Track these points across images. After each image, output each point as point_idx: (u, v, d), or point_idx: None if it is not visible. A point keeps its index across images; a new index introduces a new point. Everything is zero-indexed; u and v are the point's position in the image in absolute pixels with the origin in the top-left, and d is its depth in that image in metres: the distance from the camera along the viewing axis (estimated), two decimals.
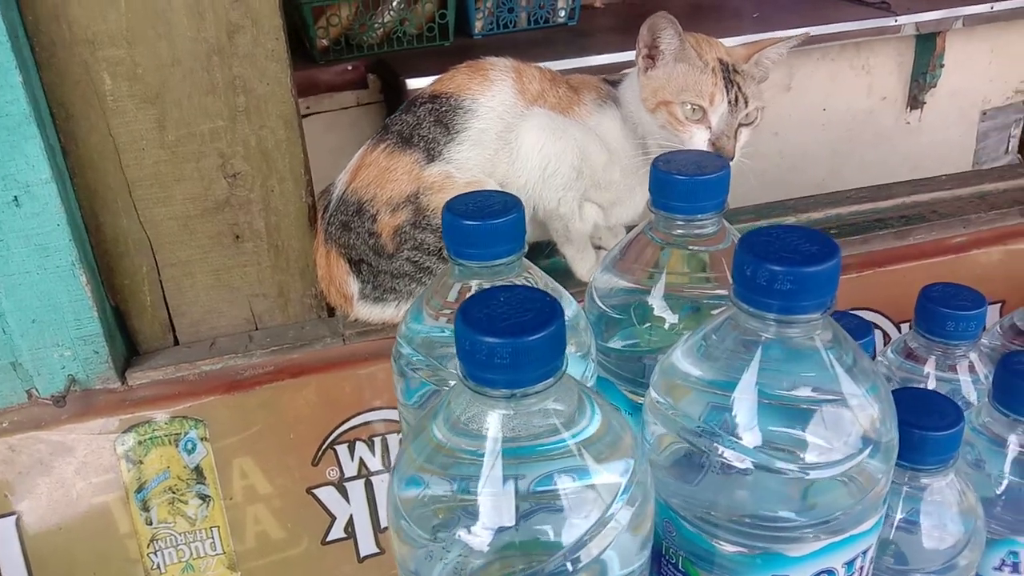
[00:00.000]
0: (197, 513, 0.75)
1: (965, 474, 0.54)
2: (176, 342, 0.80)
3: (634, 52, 0.77)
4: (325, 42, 1.73)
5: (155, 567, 0.75)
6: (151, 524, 0.74)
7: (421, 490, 0.40)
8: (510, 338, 0.36)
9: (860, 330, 0.60)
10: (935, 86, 2.04)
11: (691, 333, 0.45)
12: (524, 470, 0.38)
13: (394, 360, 0.53)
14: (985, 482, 0.56)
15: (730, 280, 0.42)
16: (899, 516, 0.52)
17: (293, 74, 0.74)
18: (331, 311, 0.83)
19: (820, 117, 1.99)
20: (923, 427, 0.49)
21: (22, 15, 0.65)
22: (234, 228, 0.77)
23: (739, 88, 0.75)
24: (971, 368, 0.63)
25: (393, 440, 0.77)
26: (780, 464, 0.41)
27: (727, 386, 0.42)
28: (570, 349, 0.51)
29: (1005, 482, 0.56)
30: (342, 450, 0.77)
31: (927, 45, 1.98)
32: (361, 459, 0.77)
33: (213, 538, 0.75)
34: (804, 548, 0.41)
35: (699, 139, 0.75)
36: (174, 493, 0.74)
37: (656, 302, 0.54)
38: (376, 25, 1.76)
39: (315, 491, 0.77)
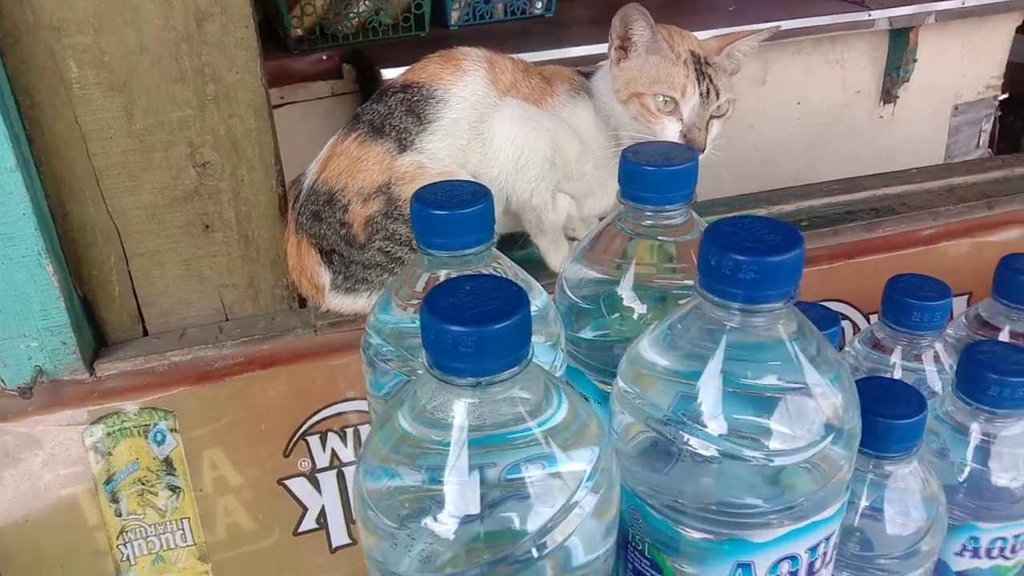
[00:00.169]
0: (167, 505, 0.74)
1: (928, 462, 0.55)
2: (145, 333, 0.80)
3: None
4: (300, 31, 1.71)
5: (125, 559, 0.74)
6: (120, 516, 0.74)
7: (388, 480, 0.40)
8: (476, 326, 0.36)
9: (827, 321, 0.61)
10: (908, 81, 2.06)
11: (658, 323, 0.45)
12: (490, 458, 0.38)
13: (363, 350, 0.53)
14: (948, 470, 0.57)
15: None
16: (864, 503, 0.53)
17: (263, 62, 0.73)
18: (302, 302, 0.83)
19: (795, 111, 2.00)
20: (887, 416, 0.50)
21: None
22: (203, 218, 0.76)
23: (711, 80, 0.75)
24: (936, 358, 0.64)
25: (365, 431, 0.77)
26: (745, 452, 0.41)
27: (692, 375, 0.42)
28: (539, 339, 0.51)
29: (967, 469, 0.57)
30: (314, 441, 0.77)
31: (900, 40, 2.00)
32: (333, 450, 0.77)
33: (183, 529, 0.75)
34: (768, 534, 0.42)
35: (671, 131, 0.75)
36: (144, 485, 0.74)
37: (625, 292, 0.54)
38: (351, 15, 1.75)
39: (286, 482, 0.77)
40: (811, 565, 0.44)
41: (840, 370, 0.43)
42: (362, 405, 0.77)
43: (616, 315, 0.55)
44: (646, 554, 0.45)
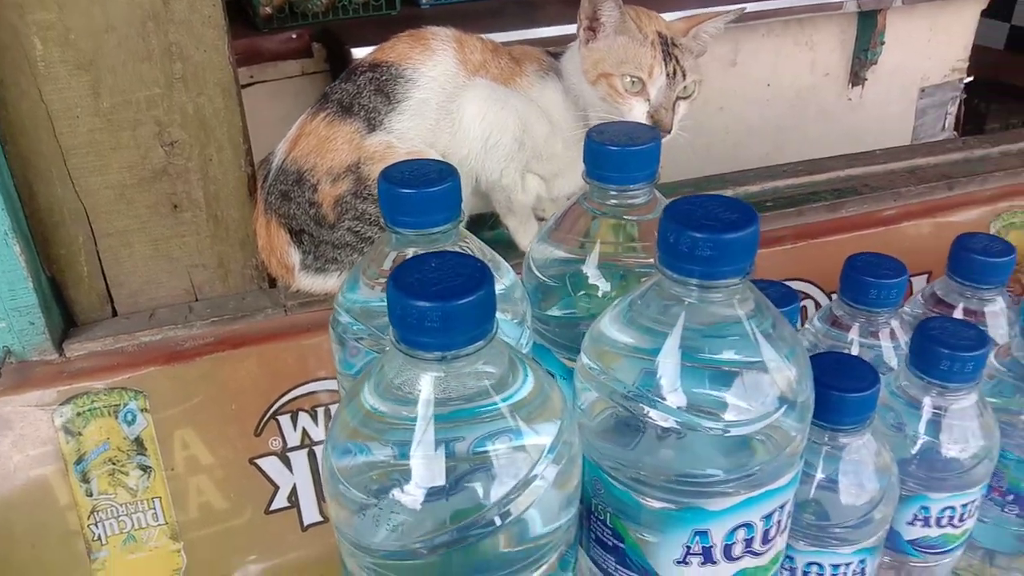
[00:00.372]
0: (138, 484, 0.75)
1: (883, 435, 0.57)
2: (114, 313, 0.79)
3: None
4: (269, 10, 1.70)
5: (96, 538, 0.75)
6: (91, 496, 0.74)
7: (355, 455, 0.41)
8: (441, 302, 0.37)
9: (786, 298, 0.62)
10: (876, 63, 2.08)
11: (619, 300, 0.46)
12: (457, 432, 0.39)
13: (332, 328, 0.53)
14: (902, 443, 0.59)
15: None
16: (820, 475, 0.55)
17: (231, 41, 0.73)
18: (272, 282, 0.83)
19: (765, 92, 2.02)
20: (841, 389, 0.52)
21: None
22: (172, 198, 0.76)
23: (677, 61, 0.76)
24: (892, 335, 0.66)
25: (336, 410, 0.78)
26: (702, 423, 0.42)
27: (652, 351, 0.43)
28: (506, 316, 0.52)
29: (920, 442, 0.59)
30: (284, 420, 0.77)
31: (868, 22, 2.02)
32: (304, 429, 0.78)
33: (155, 509, 0.75)
34: (724, 502, 0.43)
35: (638, 111, 0.76)
36: (114, 464, 0.74)
37: (591, 271, 0.55)
38: None
39: (258, 461, 0.77)
40: (766, 532, 0.45)
41: (794, 345, 0.44)
42: (332, 384, 0.77)
43: (582, 293, 0.56)
44: (608, 523, 0.47)
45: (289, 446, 0.77)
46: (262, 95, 1.66)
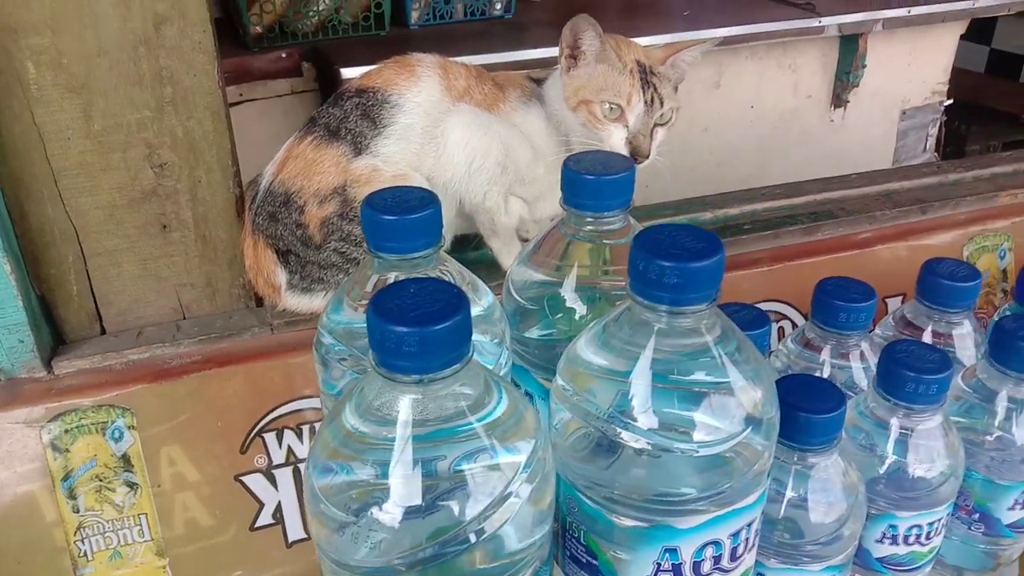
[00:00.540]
0: (125, 501, 0.76)
1: (851, 454, 0.59)
2: (103, 331, 0.81)
3: None
4: (259, 29, 1.72)
5: (82, 554, 0.75)
6: (78, 512, 0.75)
7: (336, 474, 0.42)
8: (418, 327, 0.39)
9: (757, 321, 0.64)
10: (858, 86, 2.12)
11: (593, 323, 0.48)
12: (435, 451, 0.41)
13: (316, 349, 0.55)
14: (872, 462, 0.61)
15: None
16: (790, 494, 0.56)
17: (220, 65, 0.74)
18: (259, 301, 0.84)
19: (748, 114, 2.06)
20: (809, 411, 0.53)
21: None
22: (161, 218, 0.77)
23: (655, 89, 0.78)
24: (862, 356, 0.68)
25: None
26: (673, 443, 0.44)
27: (624, 373, 0.45)
28: (485, 337, 0.54)
29: (888, 461, 0.61)
30: (270, 438, 0.78)
31: (850, 46, 2.06)
32: (289, 447, 0.79)
33: (141, 525, 0.76)
34: (693, 520, 0.45)
35: (617, 138, 0.78)
36: (101, 481, 0.75)
37: (568, 294, 0.57)
38: (311, 13, 1.76)
39: (243, 478, 0.78)
40: (734, 550, 0.47)
41: (760, 367, 0.46)
42: (318, 403, 0.78)
43: (560, 315, 0.58)
44: (582, 541, 0.48)
45: (274, 463, 0.79)
46: (252, 113, 1.68)
